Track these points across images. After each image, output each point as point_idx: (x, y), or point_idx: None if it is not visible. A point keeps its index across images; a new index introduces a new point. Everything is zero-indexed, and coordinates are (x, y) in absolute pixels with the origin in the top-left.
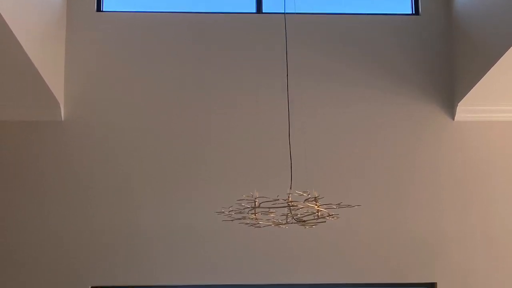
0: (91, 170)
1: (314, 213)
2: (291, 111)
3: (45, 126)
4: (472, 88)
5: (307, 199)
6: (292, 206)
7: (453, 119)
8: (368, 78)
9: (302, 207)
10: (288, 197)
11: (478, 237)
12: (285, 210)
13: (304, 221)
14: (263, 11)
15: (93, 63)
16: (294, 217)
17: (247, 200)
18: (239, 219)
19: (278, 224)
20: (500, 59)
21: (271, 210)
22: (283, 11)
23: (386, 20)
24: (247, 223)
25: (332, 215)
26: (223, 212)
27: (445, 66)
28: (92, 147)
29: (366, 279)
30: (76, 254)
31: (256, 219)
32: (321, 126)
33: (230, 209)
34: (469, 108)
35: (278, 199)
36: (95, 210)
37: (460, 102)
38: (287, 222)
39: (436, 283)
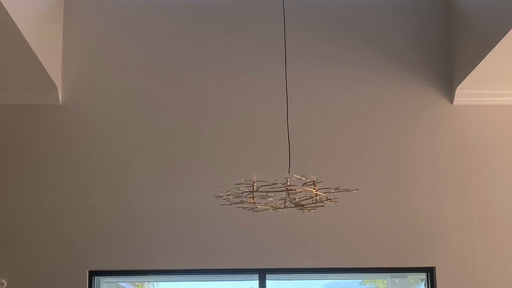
0: (89, 153)
1: (313, 197)
2: (289, 94)
3: (43, 110)
4: (471, 71)
5: (305, 183)
6: (290, 190)
7: (452, 103)
8: (366, 61)
9: (301, 191)
10: (286, 181)
11: (477, 220)
12: (283, 194)
13: (303, 205)
14: None
15: (91, 46)
16: (292, 201)
17: (245, 184)
18: (237, 203)
19: (276, 208)
20: (500, 42)
21: (269, 194)
22: None
23: (384, 3)
24: (245, 207)
25: (331, 199)
26: (221, 196)
27: (443, 49)
28: (90, 131)
29: (364, 263)
30: (74, 239)
31: (254, 203)
32: (319, 109)
33: (228, 193)
34: (468, 92)
35: (276, 183)
36: (93, 194)
37: (459, 86)
38: (285, 206)
39: (434, 267)
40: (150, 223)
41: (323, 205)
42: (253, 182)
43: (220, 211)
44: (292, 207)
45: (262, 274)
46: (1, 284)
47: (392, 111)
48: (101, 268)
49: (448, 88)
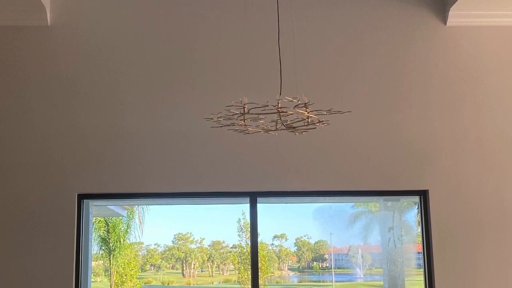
0: (78, 75)
1: (304, 119)
2: (280, 14)
3: (31, 31)
4: None
5: (297, 105)
6: (282, 112)
7: (445, 24)
8: None
9: (292, 113)
10: (278, 103)
11: (470, 143)
12: (275, 116)
13: (294, 127)
14: None
15: None
16: (284, 124)
17: (236, 106)
18: (228, 125)
19: (267, 131)
20: None
21: (261, 116)
22: None
23: None
24: (236, 130)
25: (322, 121)
26: (212, 119)
27: None
28: (79, 52)
29: (357, 186)
30: (63, 162)
31: (245, 125)
32: (311, 29)
33: (219, 115)
34: (462, 13)
35: (267, 105)
36: (82, 116)
37: (453, 6)
38: (276, 128)
39: (428, 190)
40: (140, 146)
41: (315, 128)
42: (244, 104)
43: (211, 133)
44: (284, 129)
45: (253, 197)
46: None
47: (385, 32)
48: (90, 191)
49: (442, 9)
